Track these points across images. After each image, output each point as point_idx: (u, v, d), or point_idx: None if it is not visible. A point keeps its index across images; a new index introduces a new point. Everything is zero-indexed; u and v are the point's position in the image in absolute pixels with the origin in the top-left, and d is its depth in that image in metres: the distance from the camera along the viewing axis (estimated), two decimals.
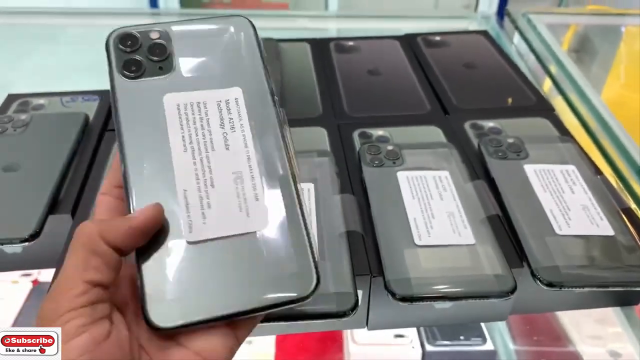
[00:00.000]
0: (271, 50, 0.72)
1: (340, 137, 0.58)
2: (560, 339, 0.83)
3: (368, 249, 0.44)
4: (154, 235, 0.30)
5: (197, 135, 0.33)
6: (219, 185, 0.32)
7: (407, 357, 0.85)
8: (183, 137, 0.33)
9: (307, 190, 0.48)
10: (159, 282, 0.29)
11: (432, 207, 0.47)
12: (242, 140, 0.33)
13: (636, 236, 0.45)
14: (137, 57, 0.34)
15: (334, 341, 0.87)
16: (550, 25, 0.94)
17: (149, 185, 0.32)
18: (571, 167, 0.51)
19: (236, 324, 0.30)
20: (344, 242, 0.44)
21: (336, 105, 0.63)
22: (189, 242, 0.30)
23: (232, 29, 0.36)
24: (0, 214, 0.47)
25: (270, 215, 0.31)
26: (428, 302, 0.41)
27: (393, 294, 0.40)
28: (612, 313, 0.51)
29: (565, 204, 0.47)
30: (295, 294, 0.29)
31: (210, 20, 0.37)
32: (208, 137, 0.33)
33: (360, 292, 0.42)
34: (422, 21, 1.02)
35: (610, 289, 0.42)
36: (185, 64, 0.35)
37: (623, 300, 0.48)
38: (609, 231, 0.45)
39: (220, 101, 0.34)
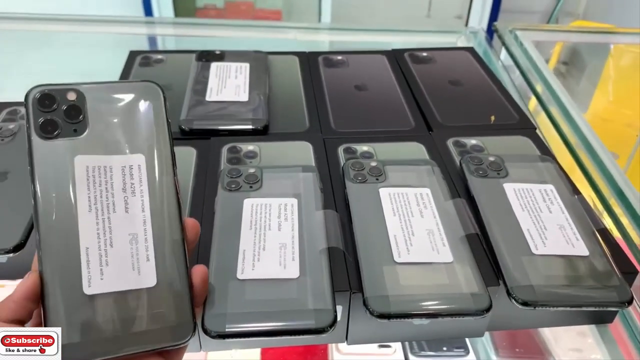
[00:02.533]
0: (260, 63, 0.73)
1: (326, 152, 0.59)
2: (541, 351, 0.84)
3: (348, 266, 0.45)
4: (59, 288, 0.34)
5: (101, 197, 0.36)
6: (116, 245, 0.36)
7: None
8: (89, 197, 0.36)
9: (291, 205, 0.49)
10: (61, 327, 0.34)
11: (413, 225, 0.48)
12: (140, 204, 0.37)
13: (610, 257, 0.46)
14: (54, 118, 0.36)
15: (319, 349, 0.88)
16: (538, 42, 0.95)
17: (56, 240, 0.35)
18: (550, 187, 0.52)
19: (168, 352, 0.36)
20: (325, 258, 0.45)
21: (323, 120, 0.64)
22: (87, 295, 0.35)
23: (142, 96, 0.38)
24: None
25: (158, 274, 0.36)
26: (406, 320, 0.42)
27: (371, 311, 0.41)
28: (590, 327, 0.53)
29: (543, 224, 0.48)
30: (174, 341, 0.35)
31: (124, 85, 0.40)
32: (111, 199, 0.36)
33: (340, 308, 0.43)
34: (412, 35, 1.04)
35: (584, 308, 0.43)
36: (97, 127, 0.37)
37: (598, 318, 0.49)
38: (584, 251, 0.46)
39: (125, 166, 0.37)
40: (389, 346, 0.87)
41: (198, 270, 0.37)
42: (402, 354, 0.87)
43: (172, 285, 0.36)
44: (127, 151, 0.37)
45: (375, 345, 0.87)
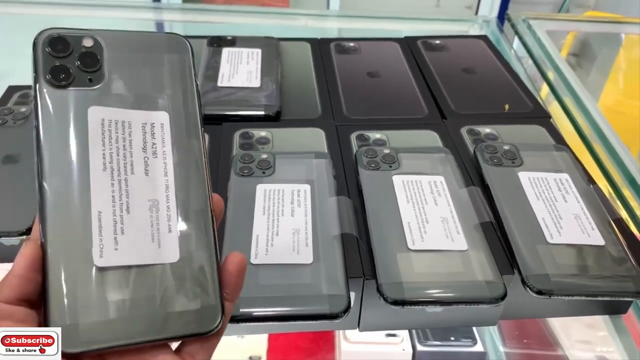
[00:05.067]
0: (272, 49, 0.73)
1: (338, 139, 0.58)
2: (549, 342, 0.83)
3: (362, 252, 0.45)
4: (63, 257, 0.29)
5: (117, 155, 0.31)
6: (134, 211, 0.31)
7: (398, 356, 0.86)
8: (104, 154, 0.31)
9: (304, 191, 0.49)
10: (65, 306, 0.28)
11: (427, 212, 0.47)
12: (162, 168, 0.32)
13: (626, 247, 0.45)
14: (67, 65, 0.31)
15: (326, 339, 0.88)
16: (550, 31, 0.94)
17: (63, 202, 0.30)
18: (565, 176, 0.52)
19: (190, 346, 0.30)
20: (339, 244, 0.44)
21: (335, 107, 0.64)
22: (98, 267, 0.29)
23: (168, 49, 0.34)
24: None
25: (181, 249, 0.31)
26: (419, 306, 0.41)
27: (385, 298, 0.41)
28: (601, 318, 0.52)
29: (558, 213, 0.48)
30: (198, 329, 0.29)
31: (147, 36, 0.35)
32: (129, 159, 0.31)
33: (352, 294, 0.43)
34: (423, 23, 1.02)
35: (599, 298, 0.43)
36: (116, 79, 0.32)
37: (612, 309, 0.49)
38: (599, 241, 0.46)
39: (146, 124, 0.32)
40: (396, 335, 0.87)
41: (235, 258, 0.32)
42: (409, 343, 0.87)
43: (197, 263, 0.31)
44: (149, 107, 0.33)
45: (383, 334, 0.87)
